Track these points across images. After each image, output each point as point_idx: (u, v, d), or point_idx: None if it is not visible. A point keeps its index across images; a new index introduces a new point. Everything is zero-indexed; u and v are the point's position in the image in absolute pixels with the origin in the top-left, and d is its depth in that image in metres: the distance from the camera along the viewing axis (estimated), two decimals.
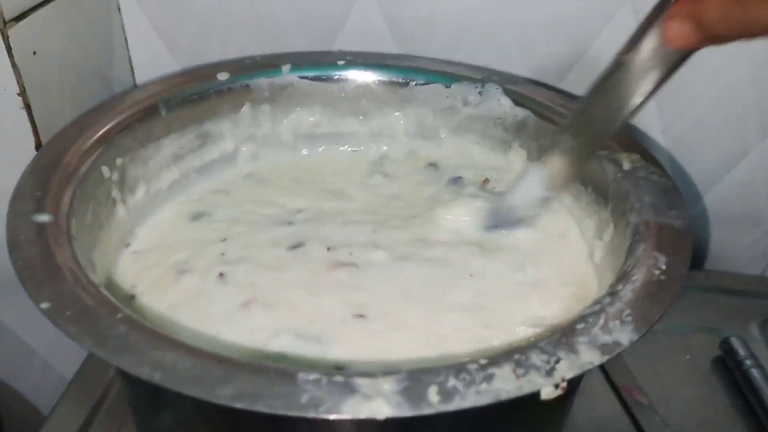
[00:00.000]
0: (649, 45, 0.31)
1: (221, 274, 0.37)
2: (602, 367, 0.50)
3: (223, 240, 0.41)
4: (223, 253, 0.39)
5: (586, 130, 0.36)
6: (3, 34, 0.41)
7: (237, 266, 0.38)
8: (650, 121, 0.56)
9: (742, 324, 0.54)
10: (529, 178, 0.39)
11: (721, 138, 0.56)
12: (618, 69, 0.32)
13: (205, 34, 0.55)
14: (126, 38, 0.56)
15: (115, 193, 0.39)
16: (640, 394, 0.48)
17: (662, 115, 0.56)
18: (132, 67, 0.58)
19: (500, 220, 0.41)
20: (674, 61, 0.32)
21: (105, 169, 0.38)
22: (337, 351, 0.31)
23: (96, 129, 0.39)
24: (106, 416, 0.45)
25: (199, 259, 0.39)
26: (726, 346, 0.51)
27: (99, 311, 0.26)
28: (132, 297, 0.36)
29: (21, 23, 0.42)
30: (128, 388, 0.35)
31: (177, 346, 0.25)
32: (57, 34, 0.46)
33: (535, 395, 0.23)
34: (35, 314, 0.55)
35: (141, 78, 0.58)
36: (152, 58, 0.57)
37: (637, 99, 0.32)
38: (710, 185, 0.58)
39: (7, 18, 0.41)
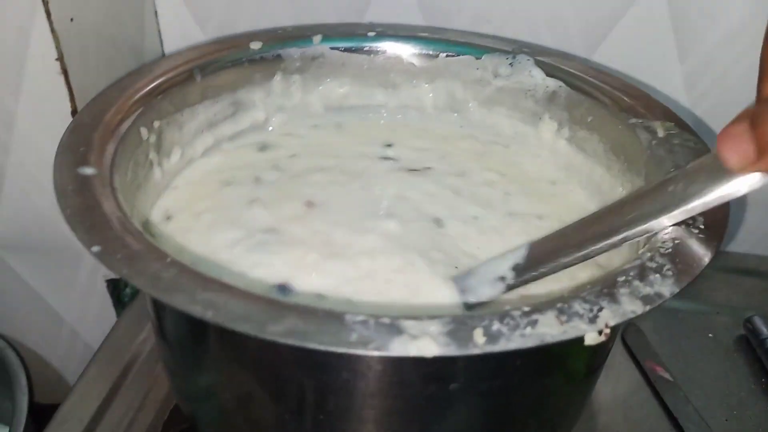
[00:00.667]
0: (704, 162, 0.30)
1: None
2: (625, 343, 0.50)
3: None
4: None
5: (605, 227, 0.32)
6: (43, 1, 0.42)
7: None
8: (677, 97, 0.56)
9: (766, 304, 0.54)
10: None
11: None
12: (665, 181, 0.31)
13: (234, 5, 0.56)
14: (156, 9, 0.57)
15: (152, 155, 0.40)
16: (663, 371, 0.48)
17: (691, 91, 0.55)
18: (161, 39, 0.59)
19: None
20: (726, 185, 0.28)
21: (144, 131, 0.39)
22: None
23: (134, 91, 0.39)
24: (132, 384, 0.46)
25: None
26: (749, 326, 0.51)
27: (148, 255, 0.26)
28: None
29: None
30: (167, 345, 0.35)
31: (227, 288, 0.25)
32: (93, 1, 0.47)
33: (579, 340, 0.23)
34: (64, 281, 0.56)
35: (170, 50, 0.59)
36: (181, 30, 0.58)
37: (671, 211, 0.29)
38: None
39: None
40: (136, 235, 0.28)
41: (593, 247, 0.30)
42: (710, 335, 0.53)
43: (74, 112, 0.46)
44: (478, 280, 0.34)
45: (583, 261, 0.31)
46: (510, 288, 0.33)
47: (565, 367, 0.31)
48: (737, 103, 0.54)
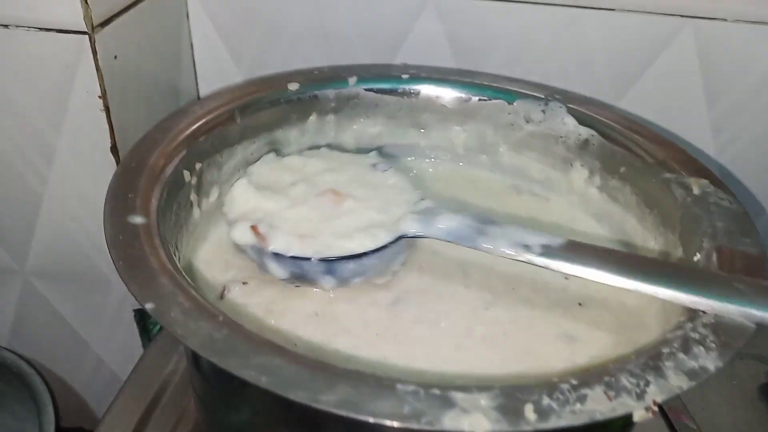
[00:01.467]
0: None
1: None
2: None
3: None
4: None
5: None
6: (90, 39, 0.43)
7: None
8: (705, 143, 0.56)
9: None
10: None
11: None
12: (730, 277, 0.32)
13: (270, 44, 0.57)
14: (192, 46, 0.58)
15: (192, 196, 0.41)
16: (687, 418, 0.48)
17: (717, 137, 0.56)
18: (196, 75, 0.60)
19: None
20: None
21: (186, 174, 0.39)
22: None
23: (177, 133, 0.40)
24: (161, 416, 0.46)
25: None
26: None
27: (201, 313, 0.27)
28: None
29: (106, 28, 0.44)
30: (203, 385, 0.36)
31: (278, 350, 0.25)
32: (136, 39, 0.48)
33: (627, 417, 0.24)
34: (92, 310, 0.57)
35: (204, 86, 0.60)
36: (216, 67, 0.59)
37: (728, 304, 0.30)
38: (762, 209, 0.58)
39: (95, 23, 0.43)
40: (187, 290, 0.28)
41: (631, 283, 0.32)
42: (734, 382, 0.52)
43: (113, 148, 0.46)
44: (502, 232, 0.36)
45: (608, 284, 0.33)
46: (525, 259, 0.35)
47: (604, 429, 0.31)
48: (764, 150, 0.56)
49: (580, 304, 0.41)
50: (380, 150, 0.51)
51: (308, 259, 0.37)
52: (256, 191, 0.41)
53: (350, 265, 0.38)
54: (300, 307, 0.38)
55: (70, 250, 0.52)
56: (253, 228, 0.39)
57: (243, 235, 0.39)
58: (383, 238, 0.38)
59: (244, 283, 0.40)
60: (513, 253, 0.35)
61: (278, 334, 0.36)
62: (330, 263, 0.38)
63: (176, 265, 0.30)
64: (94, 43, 0.43)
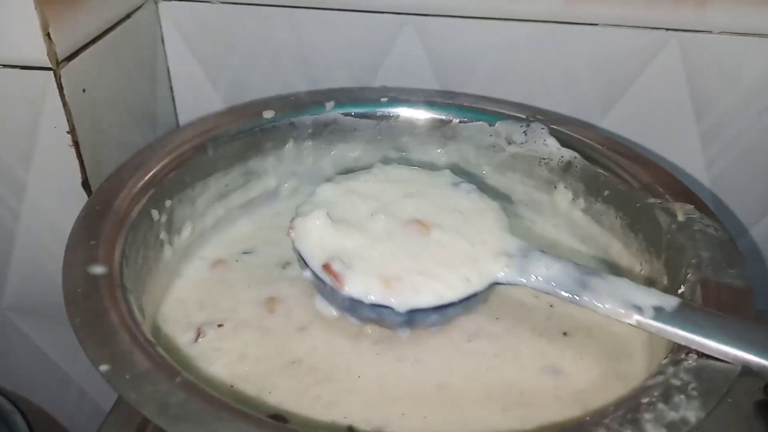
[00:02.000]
0: None
1: None
2: None
3: None
4: None
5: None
6: (56, 75, 0.41)
7: None
8: (693, 156, 0.55)
9: None
10: None
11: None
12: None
13: (248, 68, 0.56)
14: (169, 72, 0.57)
15: (163, 235, 0.39)
16: None
17: (706, 150, 0.55)
18: (174, 102, 0.59)
19: None
20: None
21: (154, 213, 0.38)
22: None
23: (145, 171, 0.39)
24: None
25: None
26: None
27: (158, 374, 0.26)
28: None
29: (72, 62, 0.43)
30: None
31: (237, 414, 0.24)
32: (106, 71, 0.47)
33: None
34: (72, 343, 0.55)
35: (183, 113, 0.59)
36: (195, 93, 0.58)
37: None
38: (754, 221, 0.57)
39: (60, 58, 0.42)
40: (145, 348, 0.27)
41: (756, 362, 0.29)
42: (729, 400, 0.51)
43: (84, 183, 0.45)
44: (608, 286, 0.33)
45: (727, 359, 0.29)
46: (634, 322, 0.32)
47: None
48: (754, 162, 0.54)
49: (564, 334, 0.40)
50: None
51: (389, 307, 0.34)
52: (333, 227, 0.37)
53: (434, 316, 0.36)
54: (278, 352, 0.37)
55: (46, 284, 0.51)
56: (326, 267, 0.35)
57: (318, 269, 0.36)
58: (476, 284, 0.35)
59: (219, 326, 0.39)
60: (622, 313, 0.32)
61: (250, 384, 0.35)
62: (413, 312, 0.35)
63: (136, 319, 0.29)
64: (60, 78, 0.42)
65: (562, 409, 0.35)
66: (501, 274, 0.36)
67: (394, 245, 0.36)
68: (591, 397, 0.35)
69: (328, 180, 0.41)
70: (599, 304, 0.33)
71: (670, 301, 0.32)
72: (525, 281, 0.35)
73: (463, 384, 0.36)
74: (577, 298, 0.33)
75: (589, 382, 0.37)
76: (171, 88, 0.58)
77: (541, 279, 0.35)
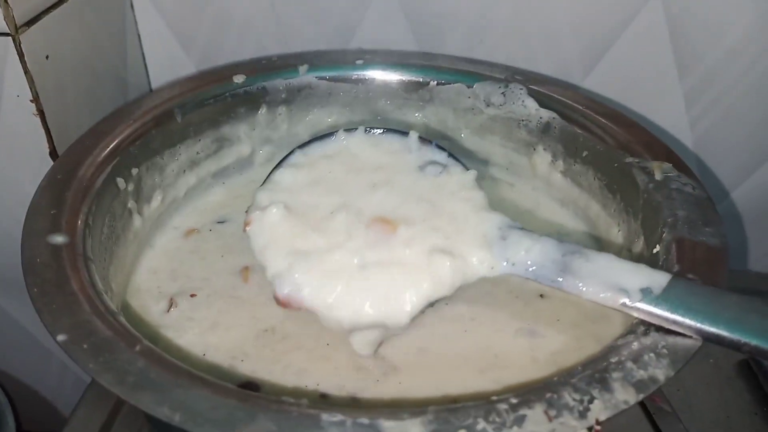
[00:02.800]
0: None
1: None
2: None
3: None
4: None
5: None
6: (15, 40, 0.40)
7: None
8: (677, 116, 0.54)
9: None
10: None
11: (753, 132, 0.54)
12: None
13: (220, 31, 0.54)
14: (140, 37, 0.55)
15: (131, 204, 0.39)
16: (662, 401, 0.47)
17: (690, 110, 0.54)
18: (146, 67, 0.57)
19: None
20: None
21: (121, 181, 0.37)
22: None
23: (111, 139, 0.38)
24: (125, 419, 0.45)
25: None
26: None
27: (117, 343, 0.25)
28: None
29: (33, 28, 0.41)
30: None
31: (197, 381, 0.24)
32: (70, 36, 0.46)
33: None
34: None
35: (155, 78, 0.58)
36: (167, 57, 0.56)
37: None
38: (738, 181, 0.57)
39: (18, 23, 0.40)
40: (105, 317, 0.26)
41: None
42: (710, 361, 0.51)
43: (52, 152, 0.44)
44: (590, 268, 0.31)
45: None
46: (619, 307, 0.29)
47: None
48: (738, 121, 0.54)
49: (541, 296, 0.39)
50: None
51: None
52: (291, 229, 0.35)
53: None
54: (250, 321, 0.36)
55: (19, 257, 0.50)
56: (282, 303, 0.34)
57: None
58: (448, 285, 0.34)
59: (192, 296, 0.38)
60: (607, 297, 0.30)
61: (222, 353, 0.34)
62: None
63: (98, 289, 0.28)
64: (20, 44, 0.40)
65: (537, 371, 0.35)
66: (482, 271, 0.34)
67: (356, 252, 0.35)
68: (566, 358, 0.35)
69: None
70: (582, 288, 0.31)
71: (659, 279, 0.29)
72: (505, 272, 0.34)
73: (440, 348, 0.36)
74: (560, 281, 0.32)
75: (565, 343, 0.36)
76: (143, 54, 0.57)
77: (521, 266, 0.33)
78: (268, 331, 0.36)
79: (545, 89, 0.45)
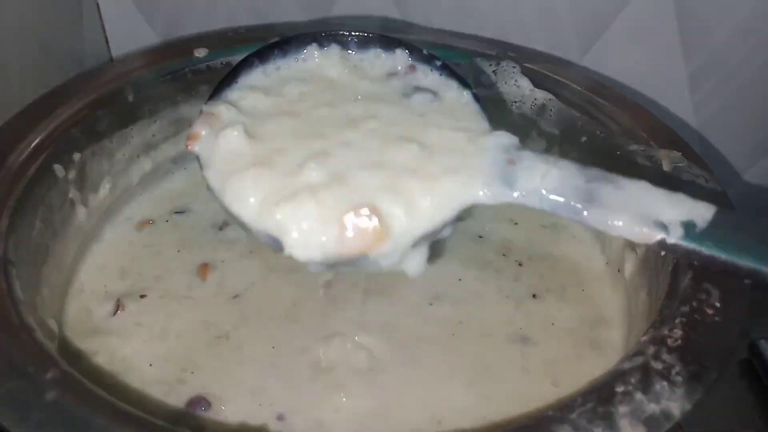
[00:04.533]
0: None
1: None
2: None
3: None
4: None
5: None
6: None
7: None
8: (681, 100, 0.50)
9: None
10: None
11: (763, 117, 0.50)
12: None
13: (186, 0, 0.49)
14: (99, 6, 0.50)
15: (73, 193, 0.34)
16: None
17: (694, 94, 0.50)
18: (107, 40, 0.52)
19: None
20: None
21: (59, 168, 0.33)
22: None
23: (48, 121, 0.33)
24: None
25: None
26: (754, 349, 0.47)
27: (25, 368, 0.21)
28: None
29: None
30: None
31: (120, 417, 0.20)
32: (14, 4, 0.41)
33: None
34: None
35: (117, 52, 0.53)
36: (129, 30, 0.52)
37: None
38: (744, 168, 0.53)
39: None
40: (18, 334, 0.22)
41: None
42: None
43: None
44: (621, 197, 0.26)
45: None
46: (656, 243, 0.25)
47: None
48: (745, 104, 0.50)
49: (534, 296, 0.36)
50: None
51: None
52: (252, 162, 0.28)
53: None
54: (204, 326, 0.33)
55: None
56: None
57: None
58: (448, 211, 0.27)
59: (142, 296, 0.34)
60: (642, 232, 0.25)
61: (171, 363, 0.31)
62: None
63: (15, 297, 0.24)
64: None
65: (529, 383, 0.31)
66: (481, 193, 0.27)
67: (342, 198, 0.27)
68: (562, 369, 0.32)
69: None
70: (611, 222, 0.25)
71: (703, 212, 0.25)
72: (514, 197, 0.27)
73: (425, 355, 0.32)
74: (584, 215, 0.26)
75: (560, 351, 0.33)
76: (103, 28, 0.52)
77: (534, 196, 0.27)
78: (222, 337, 0.32)
79: (540, 68, 0.42)
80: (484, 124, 0.30)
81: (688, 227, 0.25)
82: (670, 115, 0.51)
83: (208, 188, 0.28)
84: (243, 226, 0.27)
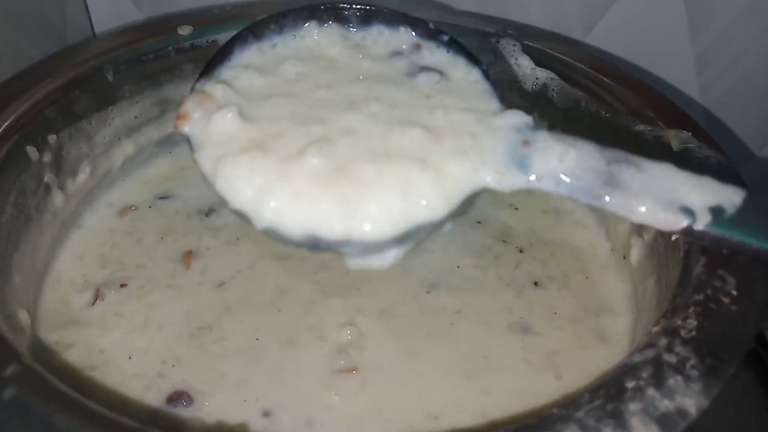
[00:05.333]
0: None
1: None
2: None
3: None
4: None
5: None
6: None
7: None
8: (686, 80, 0.49)
9: None
10: None
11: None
12: None
13: None
14: None
15: (48, 177, 0.33)
16: None
17: (701, 74, 0.48)
18: (90, 16, 0.50)
19: None
20: None
21: (32, 150, 0.31)
22: None
23: (19, 102, 0.31)
24: None
25: None
26: (761, 339, 0.46)
27: None
28: None
29: None
30: None
31: (85, 416, 0.18)
32: None
33: None
34: None
35: (100, 29, 0.51)
36: (112, 5, 0.49)
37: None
38: (749, 155, 0.51)
39: None
40: None
41: None
42: None
43: None
44: (643, 180, 0.24)
45: None
46: (682, 231, 0.23)
47: None
48: (752, 87, 0.48)
49: (535, 284, 0.35)
50: None
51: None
52: (246, 147, 0.26)
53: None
54: (186, 317, 0.31)
55: None
56: None
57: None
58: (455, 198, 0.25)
59: (122, 286, 0.32)
60: (668, 219, 0.23)
61: (151, 356, 0.29)
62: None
63: None
64: None
65: (530, 376, 0.30)
66: (489, 179, 0.25)
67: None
68: (565, 361, 0.31)
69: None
70: (635, 208, 0.24)
71: (732, 196, 0.23)
72: (529, 182, 0.25)
73: (423, 347, 0.31)
74: (606, 200, 0.24)
75: (563, 342, 0.32)
76: (86, 3, 0.50)
77: (551, 180, 0.25)
78: (204, 329, 0.31)
79: (542, 45, 0.40)
80: (495, 104, 0.28)
81: (717, 213, 0.23)
82: (676, 93, 0.49)
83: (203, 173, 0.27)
84: (237, 212, 0.25)
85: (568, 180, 0.25)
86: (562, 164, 0.25)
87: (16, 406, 0.18)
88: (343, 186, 0.25)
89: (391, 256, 0.27)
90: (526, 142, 0.26)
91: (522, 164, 0.25)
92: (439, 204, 0.25)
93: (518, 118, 0.27)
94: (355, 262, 0.27)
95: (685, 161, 0.31)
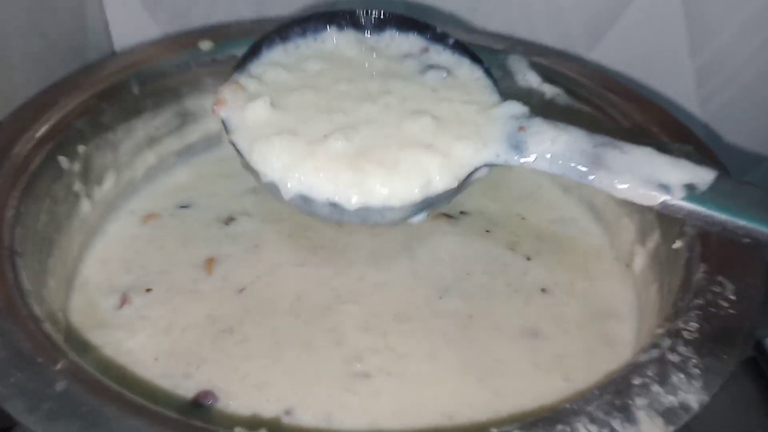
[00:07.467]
0: None
1: None
2: None
3: None
4: None
5: None
6: None
7: None
8: (686, 95, 0.50)
9: None
10: None
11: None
12: None
13: None
14: None
15: (77, 186, 0.34)
16: None
17: (701, 88, 0.50)
18: (109, 32, 0.52)
19: None
20: None
21: (63, 160, 0.33)
22: None
23: (52, 113, 0.33)
24: None
25: None
26: (759, 347, 0.47)
27: (34, 359, 0.20)
28: None
29: None
30: None
31: (130, 408, 0.19)
32: None
33: None
34: None
35: (120, 44, 0.52)
36: (131, 22, 0.51)
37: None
38: (754, 164, 0.52)
39: None
40: (26, 324, 0.22)
41: None
42: None
43: None
44: (626, 161, 0.27)
45: None
46: (661, 205, 0.26)
47: None
48: (750, 102, 0.50)
49: (543, 290, 0.36)
50: None
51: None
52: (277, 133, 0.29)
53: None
54: (209, 320, 0.32)
55: None
56: None
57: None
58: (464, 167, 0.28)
59: (147, 290, 0.34)
60: (646, 194, 0.26)
61: (176, 357, 0.30)
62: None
63: (22, 288, 0.24)
64: None
65: (540, 378, 0.31)
66: (494, 154, 0.29)
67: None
68: (572, 363, 0.32)
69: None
70: (617, 185, 0.27)
71: (704, 175, 0.26)
72: (524, 160, 0.28)
73: (438, 349, 0.32)
74: (591, 178, 0.27)
75: (570, 346, 0.33)
76: (105, 20, 0.51)
77: (545, 157, 0.28)
78: (226, 332, 0.32)
79: (549, 62, 0.41)
80: (495, 97, 0.31)
81: (690, 189, 0.26)
82: (676, 107, 0.50)
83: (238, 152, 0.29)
84: (268, 186, 0.28)
85: (559, 161, 0.28)
86: (553, 146, 0.28)
87: (68, 398, 0.19)
88: (364, 163, 0.28)
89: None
90: (522, 128, 0.29)
91: (518, 147, 0.28)
92: (446, 179, 0.28)
93: (515, 107, 0.30)
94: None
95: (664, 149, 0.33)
